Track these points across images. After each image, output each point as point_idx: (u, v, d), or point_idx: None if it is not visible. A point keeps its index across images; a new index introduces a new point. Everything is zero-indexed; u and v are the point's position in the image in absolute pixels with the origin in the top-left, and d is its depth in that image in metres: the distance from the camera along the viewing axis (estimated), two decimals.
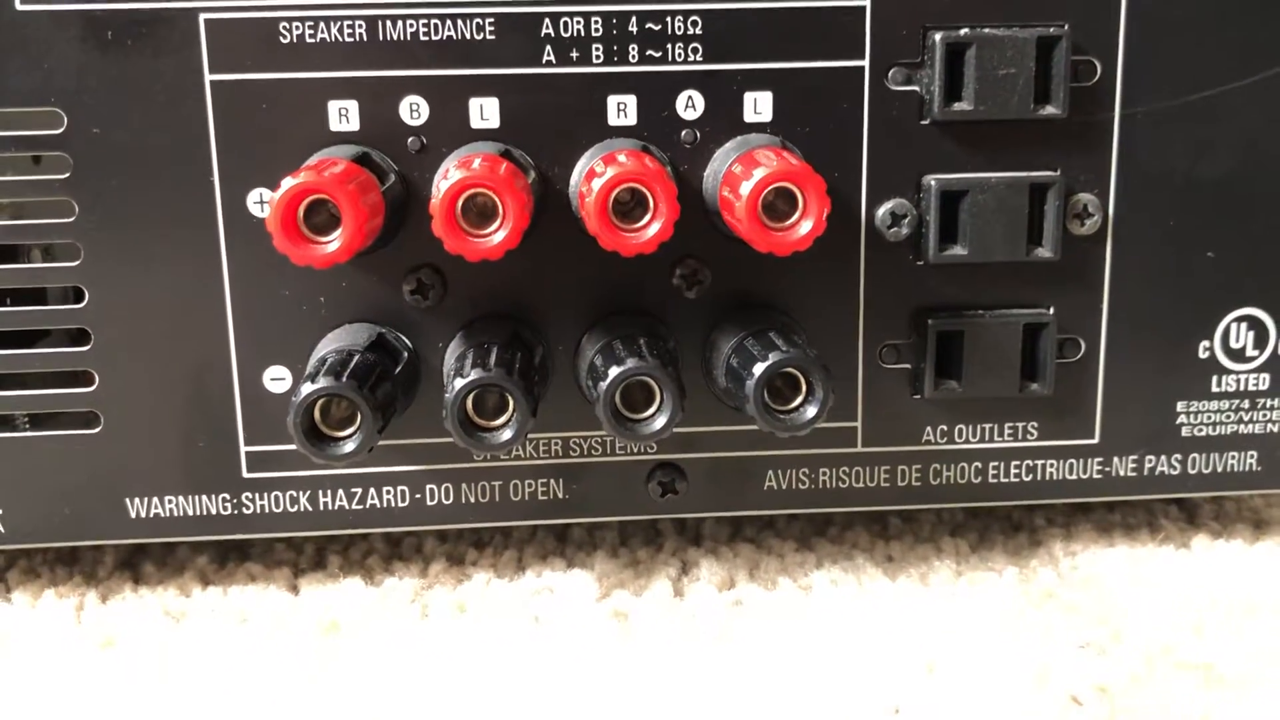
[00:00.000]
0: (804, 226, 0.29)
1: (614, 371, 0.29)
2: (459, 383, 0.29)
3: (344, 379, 0.29)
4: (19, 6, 0.30)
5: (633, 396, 0.30)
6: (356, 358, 0.30)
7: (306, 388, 0.29)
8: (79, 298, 0.32)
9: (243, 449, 0.34)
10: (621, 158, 0.30)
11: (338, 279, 0.32)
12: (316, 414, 0.30)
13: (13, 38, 0.31)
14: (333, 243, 0.28)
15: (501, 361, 0.30)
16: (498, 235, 0.29)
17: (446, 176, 0.29)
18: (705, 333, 0.34)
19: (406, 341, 0.33)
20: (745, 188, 0.29)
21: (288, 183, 0.28)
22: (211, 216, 0.32)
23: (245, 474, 0.34)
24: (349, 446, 0.29)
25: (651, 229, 0.29)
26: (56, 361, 0.33)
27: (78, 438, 0.33)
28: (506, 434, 0.30)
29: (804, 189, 0.29)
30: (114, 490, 0.34)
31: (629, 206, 0.29)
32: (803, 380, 0.30)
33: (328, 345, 0.32)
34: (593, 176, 0.29)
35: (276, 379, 0.33)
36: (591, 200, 0.28)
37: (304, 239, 0.28)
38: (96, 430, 0.33)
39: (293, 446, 0.33)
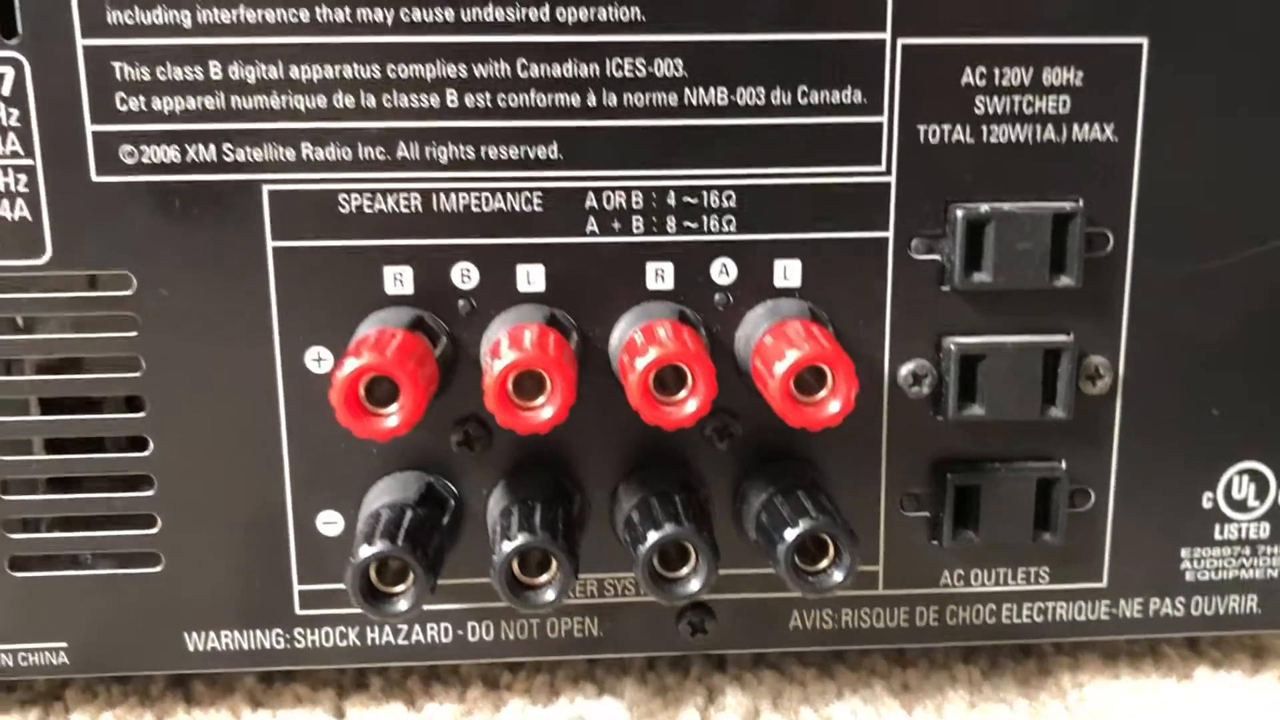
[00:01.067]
0: (833, 406, 0.31)
1: (652, 536, 0.31)
2: (506, 546, 0.31)
3: (399, 541, 0.31)
4: (95, 178, 0.32)
5: (668, 553, 0.32)
6: (409, 515, 0.32)
7: (364, 550, 0.31)
8: (142, 446, 0.34)
9: (296, 587, 0.35)
10: (661, 332, 0.31)
11: None
12: (371, 570, 0.32)
13: (88, 205, 0.33)
14: (392, 417, 0.30)
15: (546, 523, 0.32)
16: (546, 411, 0.30)
17: (499, 354, 0.31)
18: (735, 479, 0.35)
19: (453, 488, 0.35)
20: (779, 368, 0.30)
21: (351, 363, 0.30)
22: (271, 372, 0.34)
23: (298, 610, 0.36)
24: (403, 604, 0.31)
25: (690, 405, 0.31)
26: (121, 505, 0.35)
27: (140, 576, 0.35)
28: (550, 594, 0.31)
29: (834, 370, 0.31)
30: (173, 624, 0.35)
31: (667, 376, 0.31)
32: (831, 544, 0.32)
33: (379, 496, 0.34)
34: (635, 354, 0.31)
35: (329, 523, 0.35)
36: (634, 378, 0.30)
37: (366, 413, 0.30)
38: (158, 569, 0.35)
39: (343, 585, 0.35)
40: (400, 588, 0.32)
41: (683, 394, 0.31)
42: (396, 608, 0.31)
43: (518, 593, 0.31)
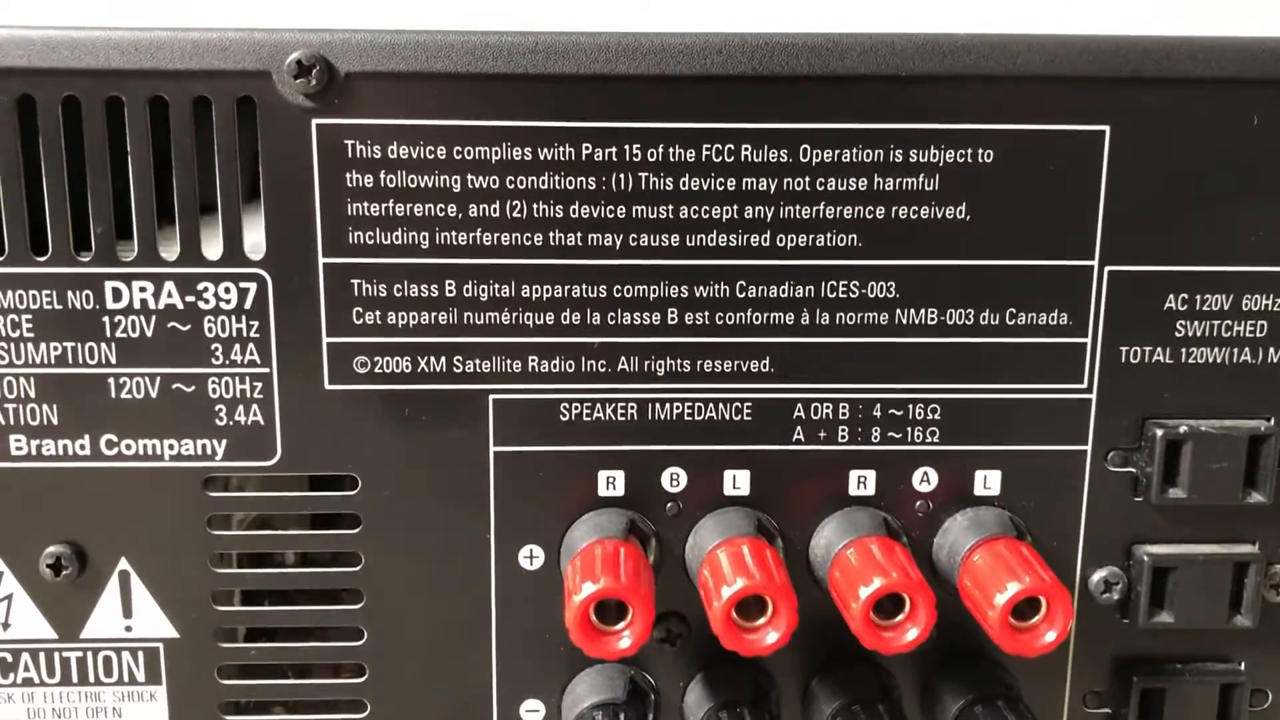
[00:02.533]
0: (1049, 636, 0.32)
1: None
2: None
3: None
4: (327, 386, 0.34)
5: None
6: (623, 718, 0.33)
7: None
8: (358, 636, 0.35)
9: None
10: (875, 550, 0.33)
11: None
12: None
13: (319, 412, 0.34)
14: (625, 638, 0.31)
15: None
16: (771, 636, 0.31)
17: (724, 578, 0.32)
18: (923, 673, 0.36)
19: (652, 682, 0.36)
20: (999, 599, 0.31)
21: (588, 587, 0.31)
22: (485, 567, 0.35)
23: None
24: None
25: (910, 633, 0.32)
26: (334, 691, 0.36)
27: None
28: None
29: (1050, 601, 0.32)
30: None
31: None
32: None
33: (587, 693, 0.35)
34: (857, 580, 0.32)
35: (532, 711, 0.36)
36: (858, 607, 0.31)
37: (600, 634, 0.31)
38: None
39: None
40: None
41: (900, 618, 0.32)
42: None
43: None
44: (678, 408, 0.34)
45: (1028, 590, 0.31)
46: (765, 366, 0.34)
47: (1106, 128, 0.33)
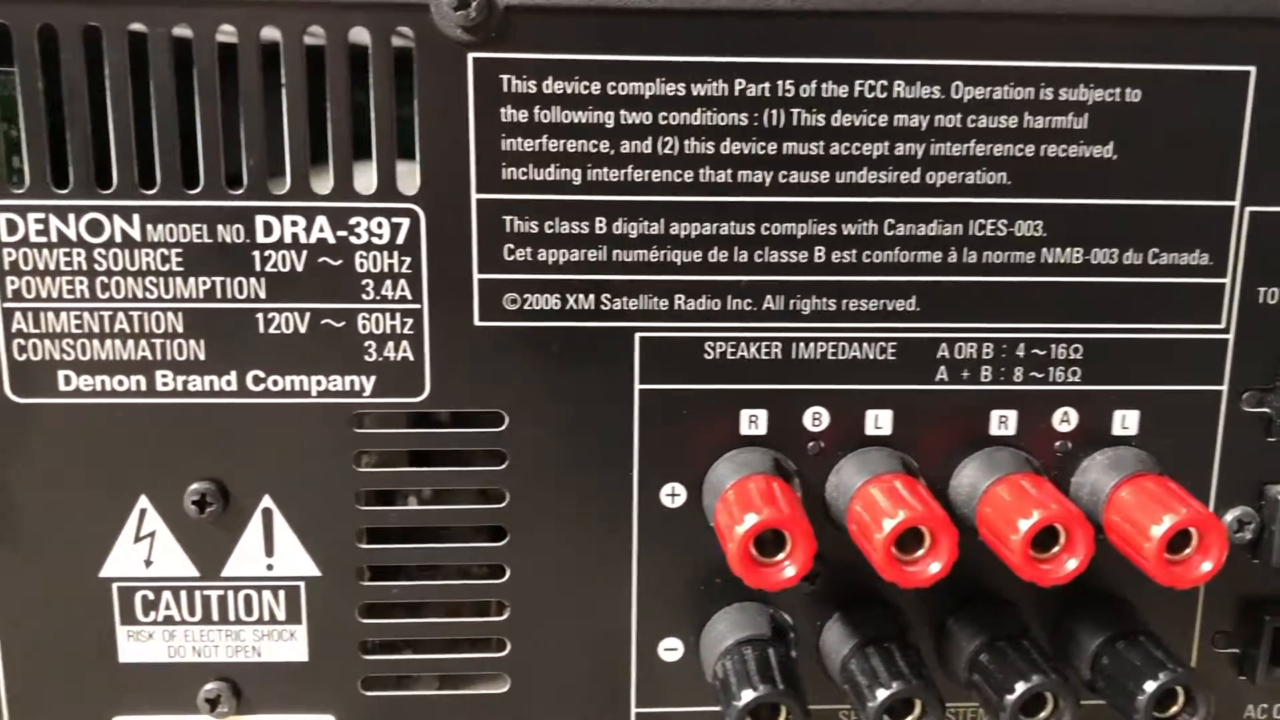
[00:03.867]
0: (1205, 566, 0.32)
1: (1020, 686, 0.33)
2: (881, 694, 0.32)
3: (780, 684, 0.32)
4: (477, 323, 0.34)
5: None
6: (773, 654, 0.34)
7: (747, 694, 0.32)
8: (500, 574, 0.36)
9: (633, 710, 0.37)
10: (1027, 485, 0.33)
11: None
12: None
13: (468, 348, 0.34)
14: (788, 568, 0.31)
15: (914, 669, 0.33)
16: (933, 566, 0.32)
17: (885, 511, 0.32)
18: (1055, 612, 0.37)
19: (789, 620, 0.36)
20: (1155, 531, 0.32)
21: (750, 519, 0.31)
22: (627, 506, 0.35)
23: None
24: None
25: (1068, 565, 0.32)
26: (474, 630, 0.36)
27: (485, 698, 0.36)
28: None
29: (1204, 532, 0.32)
30: None
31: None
32: (1182, 693, 0.33)
33: (730, 630, 0.35)
34: (1013, 515, 0.32)
35: (670, 649, 0.36)
36: (1017, 540, 0.31)
37: (761, 566, 0.31)
38: (503, 690, 0.36)
39: (678, 709, 0.36)
40: None
41: (1056, 550, 0.32)
42: None
43: None
44: (822, 347, 0.35)
45: (1184, 521, 0.32)
46: (911, 305, 0.34)
47: (1253, 68, 0.33)
